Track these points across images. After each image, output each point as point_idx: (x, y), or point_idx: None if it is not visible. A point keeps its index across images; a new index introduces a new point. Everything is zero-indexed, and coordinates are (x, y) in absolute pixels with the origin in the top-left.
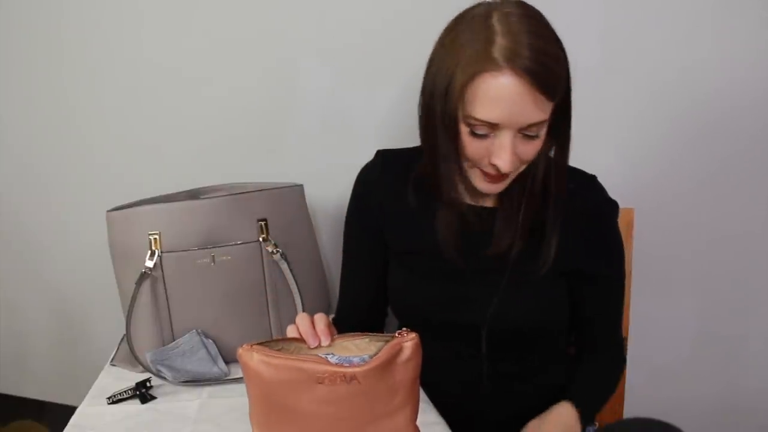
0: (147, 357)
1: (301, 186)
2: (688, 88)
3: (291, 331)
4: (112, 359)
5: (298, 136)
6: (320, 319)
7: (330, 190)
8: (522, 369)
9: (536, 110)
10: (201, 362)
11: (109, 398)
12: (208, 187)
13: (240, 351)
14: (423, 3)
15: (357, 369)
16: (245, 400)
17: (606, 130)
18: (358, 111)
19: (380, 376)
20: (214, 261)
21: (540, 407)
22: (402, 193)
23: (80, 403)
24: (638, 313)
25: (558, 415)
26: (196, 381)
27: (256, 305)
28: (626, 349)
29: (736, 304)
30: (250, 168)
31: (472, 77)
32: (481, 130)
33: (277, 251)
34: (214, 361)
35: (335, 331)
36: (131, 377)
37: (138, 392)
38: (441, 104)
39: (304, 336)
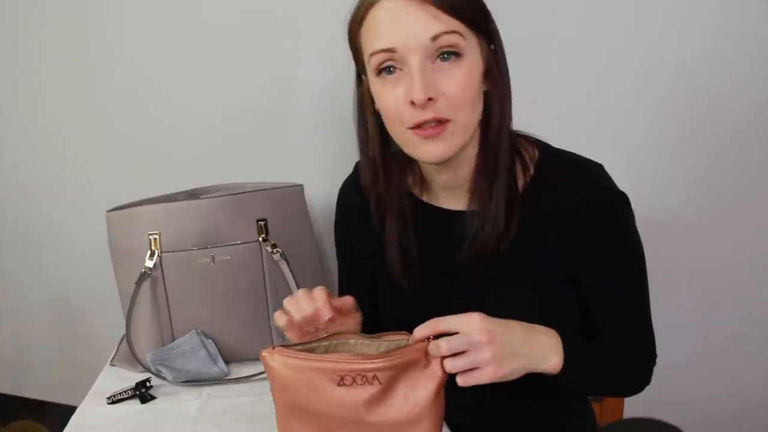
0: (147, 357)
1: (301, 186)
2: (689, 87)
3: (279, 318)
4: (112, 359)
5: (298, 136)
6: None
7: (330, 190)
8: (524, 386)
9: (433, 20)
10: (201, 362)
11: (109, 398)
12: (208, 187)
13: (263, 353)
14: None
15: (377, 364)
16: (245, 399)
17: (606, 130)
18: None
19: (401, 375)
20: (214, 261)
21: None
22: (366, 203)
23: (80, 403)
24: None
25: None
26: (196, 381)
27: (256, 305)
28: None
29: (737, 304)
30: (250, 168)
31: (361, 21)
32: (389, 64)
33: (277, 251)
34: (214, 361)
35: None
36: (131, 377)
37: (138, 392)
38: (356, 76)
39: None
